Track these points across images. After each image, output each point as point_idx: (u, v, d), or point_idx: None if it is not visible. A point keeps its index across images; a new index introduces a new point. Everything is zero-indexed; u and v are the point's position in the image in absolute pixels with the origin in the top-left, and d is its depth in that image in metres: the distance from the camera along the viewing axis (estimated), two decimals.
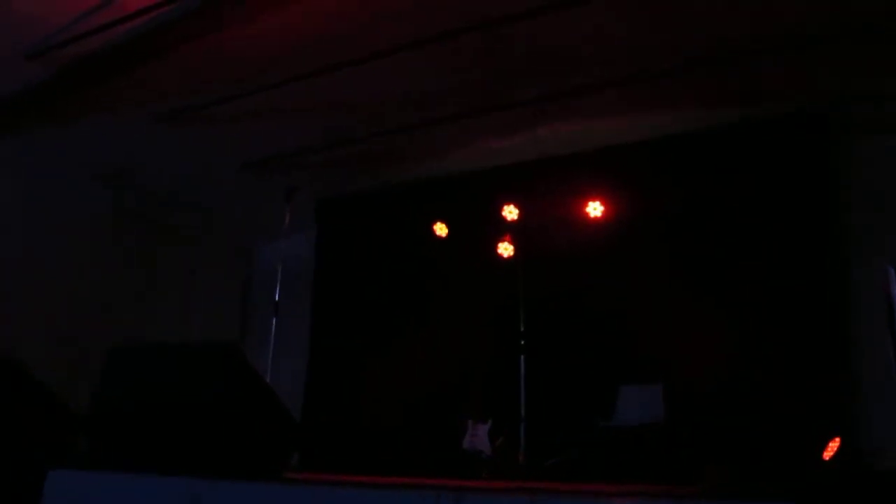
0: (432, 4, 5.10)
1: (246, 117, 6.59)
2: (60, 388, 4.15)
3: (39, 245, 6.99)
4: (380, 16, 5.20)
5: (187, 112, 6.48)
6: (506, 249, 6.86)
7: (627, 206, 6.55)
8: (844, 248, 5.96)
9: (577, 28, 5.37)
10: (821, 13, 5.11)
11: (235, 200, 8.31)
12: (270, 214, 7.23)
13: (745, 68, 5.76)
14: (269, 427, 3.22)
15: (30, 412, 3.54)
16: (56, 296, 7.01)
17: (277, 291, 6.12)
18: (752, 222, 6.24)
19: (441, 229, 7.17)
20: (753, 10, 5.10)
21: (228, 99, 6.24)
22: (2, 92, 6.06)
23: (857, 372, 5.61)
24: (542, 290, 6.70)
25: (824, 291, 5.89)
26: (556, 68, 5.87)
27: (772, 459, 5.07)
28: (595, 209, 6.54)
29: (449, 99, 6.34)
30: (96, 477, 2.78)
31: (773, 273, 6.06)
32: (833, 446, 4.59)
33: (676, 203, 6.42)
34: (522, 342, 6.48)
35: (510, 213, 6.85)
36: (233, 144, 7.14)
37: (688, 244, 6.38)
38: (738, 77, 5.90)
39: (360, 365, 7.55)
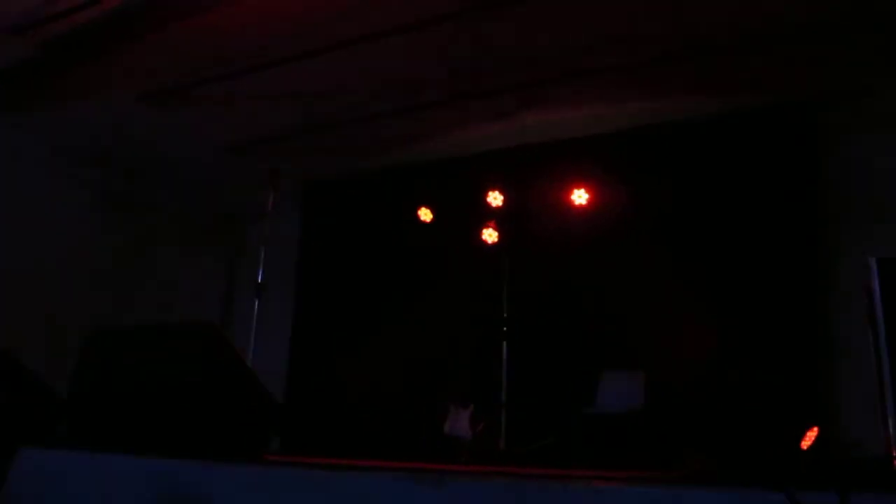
0: None
1: (232, 99, 6.56)
2: (46, 370, 4.12)
3: (23, 227, 6.92)
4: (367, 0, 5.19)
5: (174, 93, 6.43)
6: (490, 236, 6.85)
7: (613, 194, 6.53)
8: (828, 240, 5.98)
9: (565, 16, 5.36)
10: (811, 7, 5.12)
11: (221, 182, 8.28)
12: (256, 196, 7.19)
13: (733, 59, 5.77)
14: (248, 408, 3.21)
15: (8, 395, 3.52)
16: (41, 277, 6.96)
17: (261, 273, 6.10)
18: (736, 213, 6.25)
19: (426, 214, 7.14)
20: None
21: (215, 80, 6.21)
22: None
23: (837, 363, 5.65)
24: (525, 277, 6.71)
25: (808, 282, 5.93)
26: (542, 56, 5.85)
27: (751, 447, 5.11)
28: (580, 197, 6.52)
29: (435, 84, 6.32)
30: (70, 456, 2.76)
31: (757, 263, 6.09)
32: (811, 435, 4.61)
33: (662, 192, 6.42)
34: (505, 328, 6.50)
35: (495, 199, 6.83)
36: (219, 126, 7.11)
37: (672, 233, 6.40)
38: (726, 68, 5.90)
39: (342, 348, 7.56)
